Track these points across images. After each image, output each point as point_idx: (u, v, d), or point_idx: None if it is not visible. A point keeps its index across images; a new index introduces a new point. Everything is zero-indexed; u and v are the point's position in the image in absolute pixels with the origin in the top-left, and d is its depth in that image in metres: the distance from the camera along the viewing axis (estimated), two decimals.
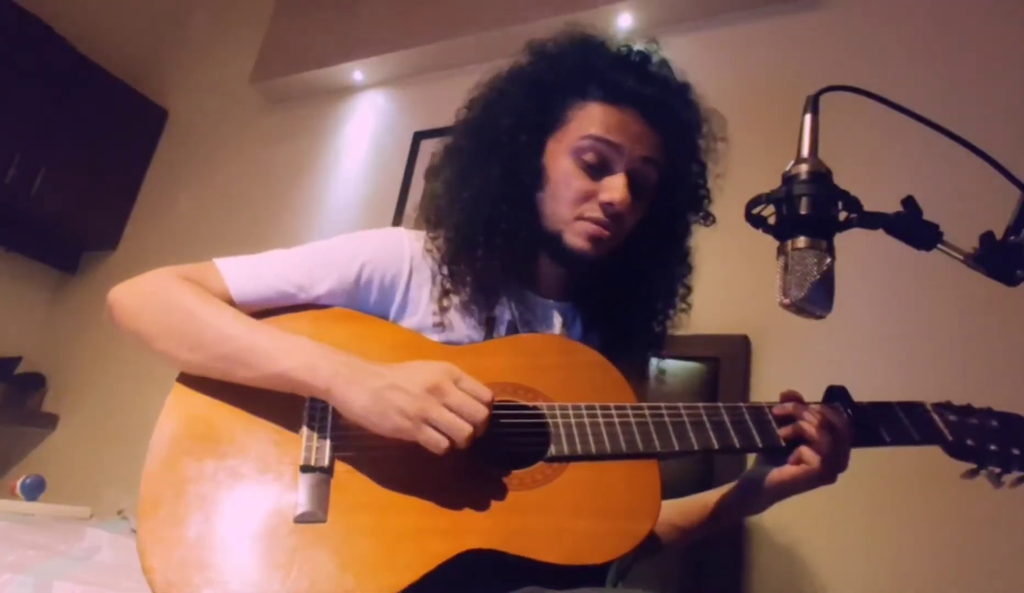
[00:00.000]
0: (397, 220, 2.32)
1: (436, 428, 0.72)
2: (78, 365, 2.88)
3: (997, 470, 0.83)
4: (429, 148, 2.38)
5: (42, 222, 2.84)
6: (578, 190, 0.91)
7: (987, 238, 0.74)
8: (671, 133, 0.94)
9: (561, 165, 0.92)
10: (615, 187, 0.89)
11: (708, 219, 1.01)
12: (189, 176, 3.01)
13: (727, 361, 1.57)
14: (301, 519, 0.72)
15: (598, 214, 0.90)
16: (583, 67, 0.94)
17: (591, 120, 0.91)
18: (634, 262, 0.96)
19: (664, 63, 0.96)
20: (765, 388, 1.57)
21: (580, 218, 0.91)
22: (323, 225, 2.53)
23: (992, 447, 0.83)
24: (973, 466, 0.84)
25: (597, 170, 0.91)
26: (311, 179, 2.66)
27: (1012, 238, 0.73)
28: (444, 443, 0.72)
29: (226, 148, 2.98)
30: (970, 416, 0.86)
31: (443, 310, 0.92)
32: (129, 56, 3.19)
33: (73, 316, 3.05)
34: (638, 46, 0.96)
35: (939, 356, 1.43)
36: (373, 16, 2.62)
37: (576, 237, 0.91)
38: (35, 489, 2.05)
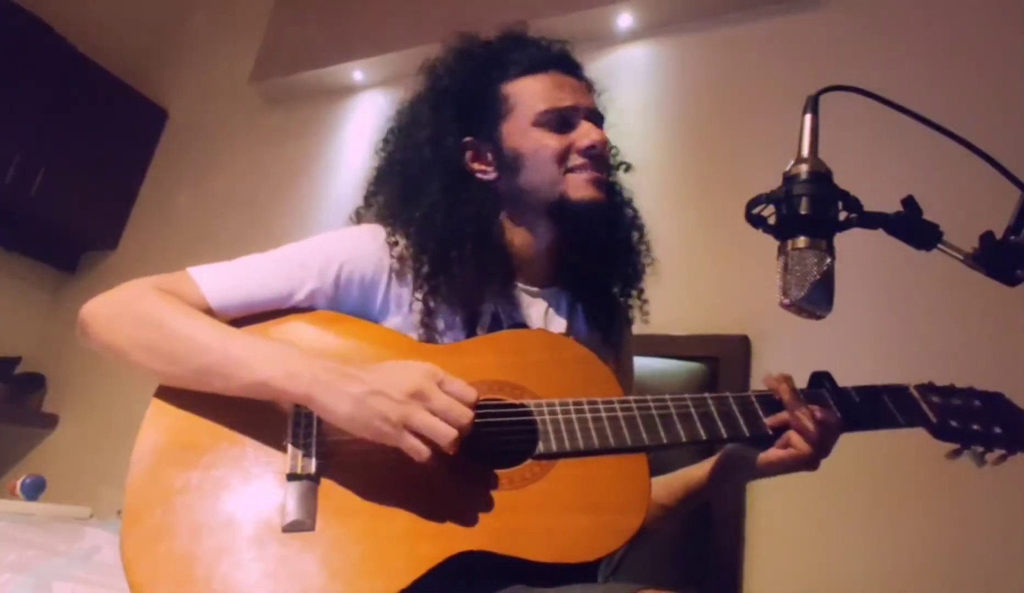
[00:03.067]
0: None
1: (419, 435, 0.71)
2: (78, 365, 2.88)
3: (980, 449, 0.83)
4: None
5: (42, 222, 2.84)
6: (555, 149, 0.94)
7: (987, 238, 0.74)
8: (585, 78, 1.02)
9: (528, 139, 0.95)
10: (587, 132, 0.94)
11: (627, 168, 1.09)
12: (189, 176, 3.01)
13: (727, 361, 1.57)
14: (289, 528, 0.70)
15: (584, 161, 0.94)
16: (496, 54, 1.01)
17: (533, 95, 0.96)
18: (607, 229, 0.99)
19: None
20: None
21: (569, 172, 0.94)
22: (323, 225, 2.50)
23: (975, 427, 0.84)
24: (957, 446, 0.84)
25: (561, 127, 0.95)
26: (311, 179, 2.65)
27: (1012, 238, 0.73)
28: (426, 452, 0.70)
29: (226, 148, 2.97)
30: (952, 397, 0.87)
31: (427, 308, 0.92)
32: (129, 56, 3.19)
33: (73, 316, 3.00)
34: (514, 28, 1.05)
35: (939, 356, 1.43)
36: (373, 16, 2.62)
37: (577, 189, 0.94)
38: (35, 489, 2.05)
